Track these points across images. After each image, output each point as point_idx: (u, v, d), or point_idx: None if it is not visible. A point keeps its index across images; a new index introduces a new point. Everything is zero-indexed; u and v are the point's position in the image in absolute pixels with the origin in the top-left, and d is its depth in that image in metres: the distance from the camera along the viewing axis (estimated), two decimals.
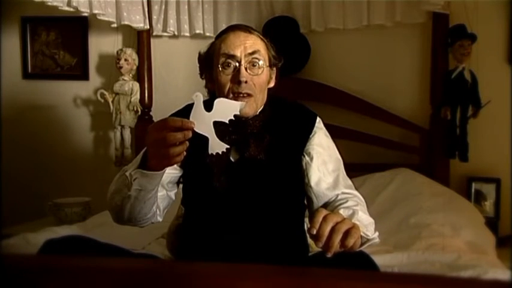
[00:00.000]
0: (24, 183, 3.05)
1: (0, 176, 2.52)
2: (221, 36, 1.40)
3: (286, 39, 2.65)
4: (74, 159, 3.10)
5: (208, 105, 1.15)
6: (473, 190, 2.63)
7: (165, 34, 2.93)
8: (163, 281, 0.56)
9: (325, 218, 1.07)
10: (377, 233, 1.23)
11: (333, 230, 1.06)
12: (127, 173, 1.24)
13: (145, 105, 2.93)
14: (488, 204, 2.59)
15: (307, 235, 1.48)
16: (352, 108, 2.74)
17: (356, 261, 1.11)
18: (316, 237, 1.06)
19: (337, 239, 1.06)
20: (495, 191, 2.59)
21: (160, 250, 1.82)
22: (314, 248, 1.55)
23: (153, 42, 2.97)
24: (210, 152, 1.14)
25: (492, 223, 2.41)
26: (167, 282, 0.57)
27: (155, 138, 1.11)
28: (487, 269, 1.56)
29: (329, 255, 1.06)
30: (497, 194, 2.59)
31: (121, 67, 2.87)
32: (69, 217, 2.67)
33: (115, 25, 2.76)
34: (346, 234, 1.07)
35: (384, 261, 1.60)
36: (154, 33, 2.93)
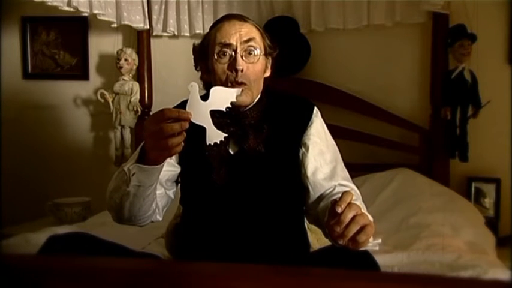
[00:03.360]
0: (24, 183, 3.05)
1: (0, 176, 2.52)
2: (216, 25, 1.39)
3: (286, 39, 2.64)
4: (74, 159, 3.10)
5: (204, 99, 1.13)
6: (473, 190, 2.63)
7: (165, 34, 2.93)
8: (163, 281, 0.56)
9: (349, 205, 1.08)
10: (379, 240, 1.19)
11: (352, 220, 1.06)
12: (125, 168, 1.23)
13: (145, 105, 2.93)
14: (488, 204, 2.59)
15: (308, 231, 1.48)
16: (352, 108, 2.74)
17: (358, 260, 1.10)
18: (336, 221, 1.06)
19: (354, 229, 1.06)
20: (495, 191, 2.59)
21: (160, 250, 1.81)
22: (314, 247, 1.55)
23: (153, 42, 2.97)
24: (208, 143, 1.12)
25: (492, 223, 2.41)
26: (167, 282, 0.56)
27: (153, 130, 1.10)
28: (487, 269, 1.56)
29: (341, 242, 1.07)
30: (497, 194, 2.59)
31: (121, 67, 2.87)
32: (69, 217, 2.67)
33: (115, 25, 2.76)
34: (360, 229, 1.07)
35: (384, 261, 1.60)
36: (154, 33, 2.94)
